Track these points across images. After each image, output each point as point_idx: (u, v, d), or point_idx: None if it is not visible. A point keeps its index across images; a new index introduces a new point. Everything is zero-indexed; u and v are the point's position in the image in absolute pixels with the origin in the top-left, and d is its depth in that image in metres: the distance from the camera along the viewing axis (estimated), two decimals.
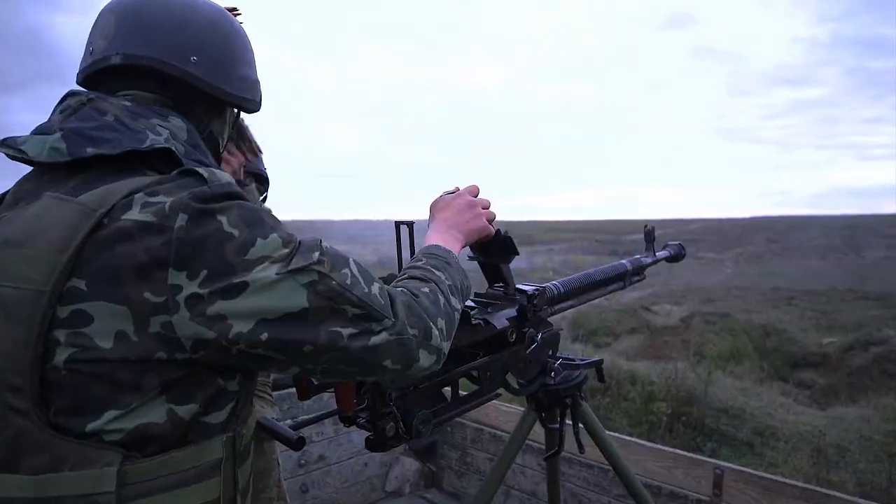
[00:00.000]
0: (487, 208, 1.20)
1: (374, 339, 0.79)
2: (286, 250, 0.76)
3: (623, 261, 1.84)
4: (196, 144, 0.91)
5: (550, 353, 1.51)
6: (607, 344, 10.25)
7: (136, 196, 0.75)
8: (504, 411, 2.77)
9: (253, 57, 1.04)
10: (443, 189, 1.22)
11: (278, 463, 1.90)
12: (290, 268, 0.75)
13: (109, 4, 0.94)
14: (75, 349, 0.71)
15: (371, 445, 1.13)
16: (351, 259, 0.83)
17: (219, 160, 1.04)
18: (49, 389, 0.72)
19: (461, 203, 1.16)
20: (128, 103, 0.87)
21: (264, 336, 0.74)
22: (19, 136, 0.84)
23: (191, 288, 0.71)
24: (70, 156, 0.79)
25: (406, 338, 0.81)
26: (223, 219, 0.74)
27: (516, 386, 1.45)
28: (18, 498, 0.71)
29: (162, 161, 0.84)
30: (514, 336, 1.35)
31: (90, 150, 0.79)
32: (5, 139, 0.84)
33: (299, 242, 0.79)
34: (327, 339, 0.76)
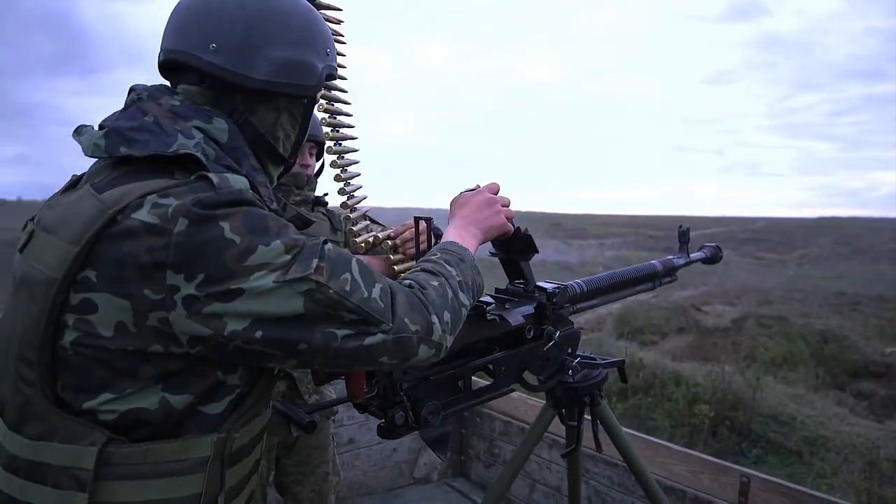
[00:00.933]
0: (507, 206, 1.20)
1: (370, 340, 0.81)
2: (287, 257, 0.77)
3: (654, 261, 1.80)
4: (236, 146, 0.90)
5: (570, 351, 1.50)
6: (653, 343, 10.01)
7: (149, 197, 0.77)
8: (532, 405, 2.78)
9: (302, 35, 0.94)
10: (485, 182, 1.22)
11: (332, 439, 1.99)
12: (287, 277, 0.76)
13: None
14: (80, 333, 0.77)
15: (382, 432, 1.17)
16: (354, 261, 0.84)
17: (280, 156, 1.00)
18: (58, 365, 0.79)
19: (480, 200, 1.16)
20: (176, 103, 0.89)
21: (259, 334, 0.76)
22: (86, 126, 0.89)
23: (188, 289, 0.74)
24: (107, 154, 0.83)
25: (404, 336, 0.83)
26: (225, 225, 0.75)
27: (534, 383, 1.45)
28: (20, 457, 0.79)
29: (192, 164, 0.84)
30: (531, 333, 1.35)
31: (123, 150, 0.82)
32: (78, 127, 0.90)
33: (302, 247, 0.79)
34: (321, 339, 0.79)
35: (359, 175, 1.43)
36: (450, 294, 0.93)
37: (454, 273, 0.97)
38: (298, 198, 1.93)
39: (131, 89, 0.93)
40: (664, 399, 6.45)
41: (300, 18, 0.95)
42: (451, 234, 1.11)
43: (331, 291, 0.78)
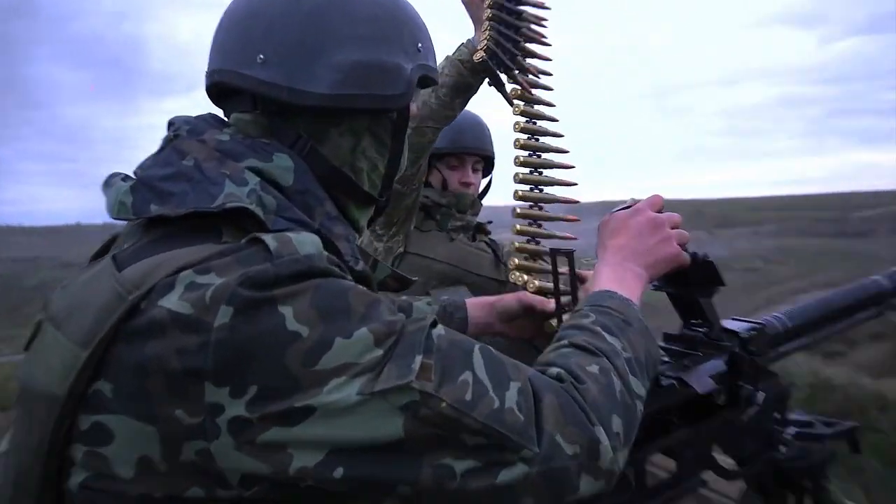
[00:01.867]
0: (677, 226, 0.90)
1: (506, 475, 0.59)
2: (378, 353, 0.57)
3: (876, 276, 1.37)
4: (305, 189, 0.71)
5: (777, 416, 1.12)
6: (840, 354, 8.70)
7: (182, 274, 0.58)
8: None
9: (376, 28, 0.73)
10: (626, 193, 0.91)
11: None
12: (378, 387, 0.56)
13: None
14: (90, 473, 0.59)
15: None
16: (476, 350, 0.63)
17: (366, 195, 0.79)
18: None
19: (641, 224, 0.88)
20: (225, 138, 0.71)
21: (338, 472, 0.56)
22: (116, 176, 0.71)
23: (235, 409, 0.55)
24: (135, 214, 0.66)
25: (557, 467, 0.61)
26: (287, 311, 0.56)
27: (727, 466, 1.08)
28: None
29: (247, 220, 0.65)
30: (722, 397, 1.00)
31: (154, 208, 0.65)
32: (108, 178, 0.72)
33: (400, 335, 0.59)
34: (431, 477, 0.58)
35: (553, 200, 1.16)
36: (617, 385, 0.69)
37: (618, 347, 0.73)
38: (459, 223, 1.68)
39: (170, 123, 0.75)
40: (866, 429, 5.48)
41: (373, 5, 0.74)
42: (604, 277, 0.84)
43: (443, 405, 0.58)
